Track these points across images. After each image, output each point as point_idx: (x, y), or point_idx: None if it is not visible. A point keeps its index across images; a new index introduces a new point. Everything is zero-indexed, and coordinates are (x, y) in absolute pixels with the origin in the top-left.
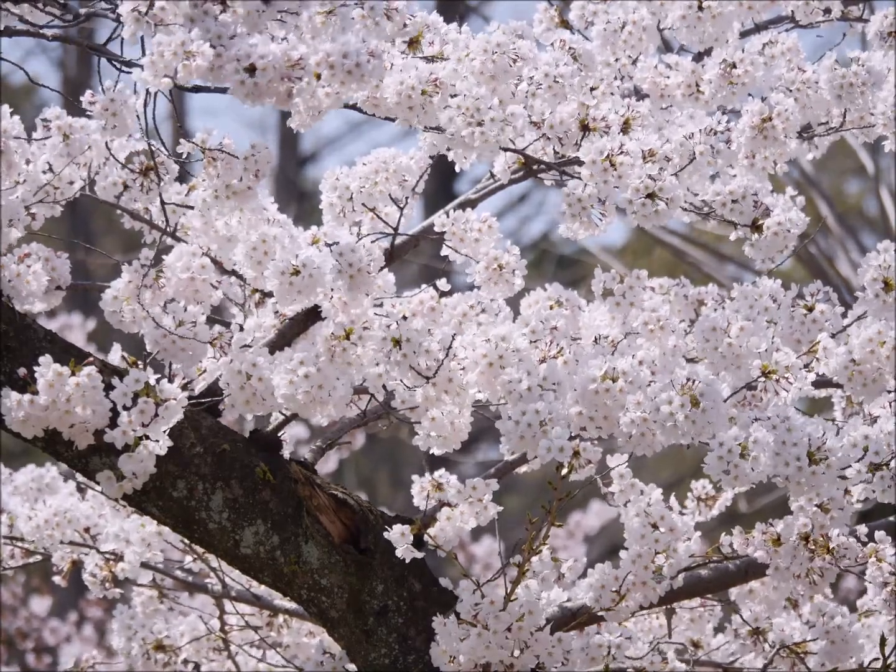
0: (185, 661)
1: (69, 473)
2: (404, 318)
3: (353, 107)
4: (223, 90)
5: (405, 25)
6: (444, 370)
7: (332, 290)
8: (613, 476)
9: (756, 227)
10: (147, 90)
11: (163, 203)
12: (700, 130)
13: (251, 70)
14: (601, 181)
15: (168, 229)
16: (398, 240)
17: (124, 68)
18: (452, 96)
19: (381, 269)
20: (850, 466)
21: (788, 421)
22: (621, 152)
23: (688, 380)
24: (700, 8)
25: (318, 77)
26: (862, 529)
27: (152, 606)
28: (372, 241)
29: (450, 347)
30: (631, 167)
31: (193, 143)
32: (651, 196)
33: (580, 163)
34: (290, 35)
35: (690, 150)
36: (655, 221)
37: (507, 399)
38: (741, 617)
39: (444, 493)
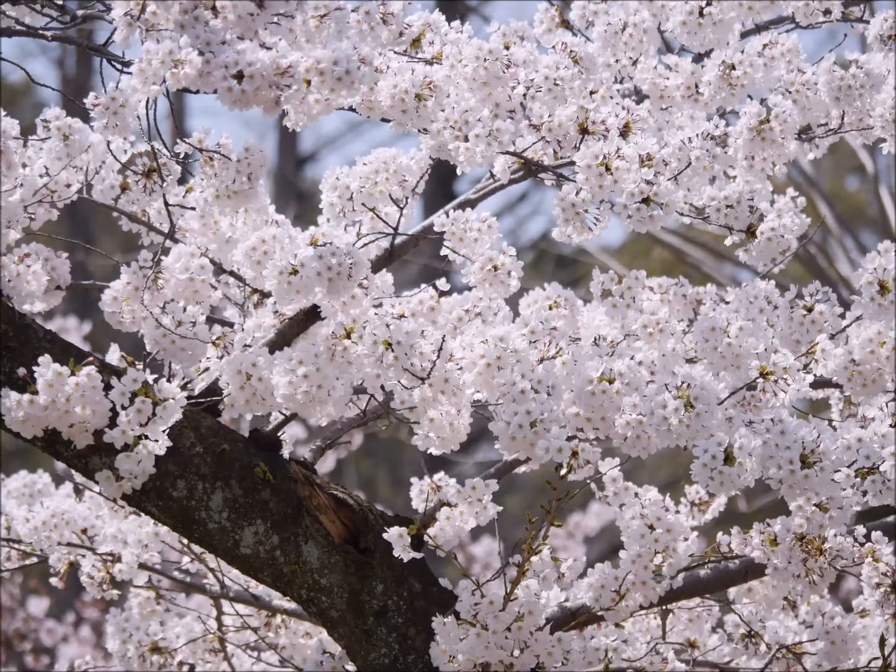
0: (181, 663)
1: (67, 473)
2: (402, 316)
3: (350, 109)
4: (216, 93)
5: (401, 34)
6: (440, 371)
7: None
8: (606, 480)
9: (751, 232)
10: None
11: (166, 205)
12: (697, 135)
13: (239, 77)
14: (596, 185)
15: (169, 231)
16: (398, 240)
17: (124, 69)
18: (447, 97)
19: (380, 270)
20: (840, 471)
21: (782, 424)
22: (618, 157)
23: (683, 383)
24: (701, 14)
25: (309, 83)
26: (860, 530)
27: (149, 608)
28: (372, 241)
29: (441, 349)
30: (627, 171)
31: (188, 143)
32: (646, 201)
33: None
34: (281, 41)
35: (688, 154)
36: (650, 227)
37: (503, 401)
38: (740, 617)
39: (443, 493)
